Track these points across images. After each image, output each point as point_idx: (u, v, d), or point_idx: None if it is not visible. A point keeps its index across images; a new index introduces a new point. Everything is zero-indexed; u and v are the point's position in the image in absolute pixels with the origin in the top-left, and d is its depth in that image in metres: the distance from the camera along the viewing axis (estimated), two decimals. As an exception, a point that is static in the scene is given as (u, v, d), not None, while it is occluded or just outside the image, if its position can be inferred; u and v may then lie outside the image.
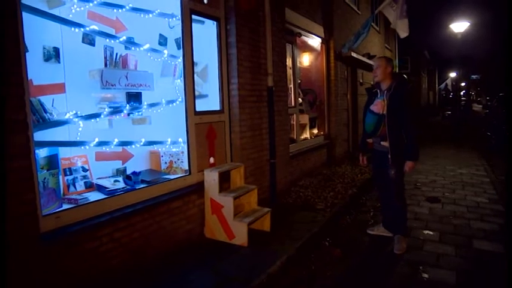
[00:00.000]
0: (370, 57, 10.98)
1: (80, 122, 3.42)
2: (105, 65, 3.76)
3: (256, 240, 3.85)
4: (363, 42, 8.92)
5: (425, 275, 3.34)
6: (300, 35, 6.98)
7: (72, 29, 3.41)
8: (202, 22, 4.43)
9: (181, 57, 4.02)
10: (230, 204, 3.84)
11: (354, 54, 8.87)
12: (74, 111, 3.39)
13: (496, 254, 3.77)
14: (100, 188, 3.41)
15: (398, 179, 3.83)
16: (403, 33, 8.00)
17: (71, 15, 3.45)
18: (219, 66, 4.52)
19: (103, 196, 3.25)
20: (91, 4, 3.55)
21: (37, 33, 3.12)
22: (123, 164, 3.96)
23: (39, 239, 2.51)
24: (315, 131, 8.24)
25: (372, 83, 12.16)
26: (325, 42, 8.23)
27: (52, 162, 3.15)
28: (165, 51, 4.29)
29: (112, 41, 3.79)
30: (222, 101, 4.57)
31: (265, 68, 4.97)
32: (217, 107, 4.53)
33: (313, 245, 3.96)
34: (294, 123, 6.93)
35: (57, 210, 2.85)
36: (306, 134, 7.65)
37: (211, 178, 3.97)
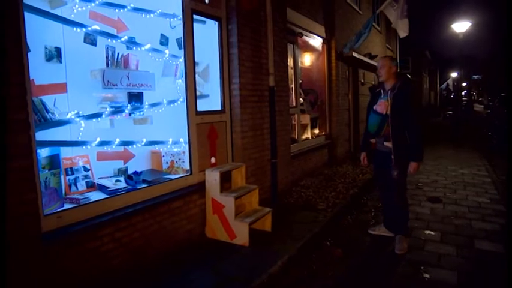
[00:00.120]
0: (371, 57, 10.98)
1: (82, 122, 3.42)
2: (107, 64, 3.76)
3: (258, 240, 3.85)
4: (364, 42, 8.90)
5: (427, 275, 3.34)
6: (302, 35, 6.98)
7: (74, 29, 3.42)
8: (204, 22, 4.43)
9: (182, 57, 4.02)
10: (231, 204, 3.84)
11: (355, 54, 8.86)
12: (76, 111, 3.40)
13: (498, 254, 3.76)
14: (101, 188, 3.42)
15: (401, 180, 3.82)
16: (403, 33, 8.02)
17: (72, 15, 3.46)
18: (220, 66, 4.53)
19: (104, 196, 3.26)
20: (93, 4, 3.55)
21: (39, 33, 3.13)
22: (124, 163, 3.97)
23: (40, 239, 2.51)
24: (316, 131, 8.24)
25: (373, 82, 12.21)
26: (326, 42, 8.22)
27: (54, 162, 3.15)
28: (167, 51, 4.29)
29: (113, 41, 3.79)
30: (224, 101, 4.57)
31: (267, 68, 4.97)
32: (218, 107, 4.53)
33: (314, 245, 3.96)
34: (295, 123, 6.93)
35: (58, 210, 2.85)
36: (307, 134, 7.65)
37: (213, 178, 3.97)
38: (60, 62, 3.39)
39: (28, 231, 2.42)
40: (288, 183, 5.88)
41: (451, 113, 25.44)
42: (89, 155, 3.58)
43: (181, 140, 4.20)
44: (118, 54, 3.87)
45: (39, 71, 3.07)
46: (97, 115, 3.53)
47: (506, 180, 6.93)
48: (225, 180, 4.22)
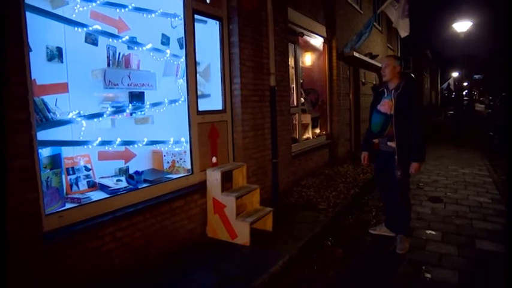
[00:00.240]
0: (372, 56, 10.97)
1: (83, 122, 3.42)
2: (108, 64, 3.76)
3: (259, 240, 3.86)
4: (365, 41, 8.91)
5: (428, 275, 3.34)
6: (303, 34, 6.98)
7: (75, 28, 3.42)
8: (205, 22, 4.43)
9: (183, 57, 4.02)
10: (232, 204, 3.84)
11: (356, 54, 8.85)
12: (77, 111, 3.40)
13: (499, 254, 3.75)
14: (103, 188, 3.42)
15: (405, 180, 3.81)
16: (404, 32, 8.03)
17: (74, 15, 3.46)
18: (221, 65, 4.53)
19: (106, 195, 3.26)
20: (94, 4, 3.55)
21: (40, 33, 3.13)
22: (125, 163, 3.97)
23: (42, 238, 2.51)
24: (317, 130, 8.24)
25: (374, 82, 12.19)
26: (327, 41, 8.22)
27: (55, 161, 3.15)
28: (168, 51, 4.29)
29: (115, 41, 3.80)
30: (225, 101, 4.57)
31: (268, 68, 4.97)
32: (219, 107, 4.54)
33: (315, 245, 3.96)
34: (296, 123, 6.93)
35: (60, 209, 2.86)
36: (308, 134, 7.65)
37: (214, 178, 3.97)
38: (62, 62, 3.39)
39: (30, 231, 2.43)
40: (289, 183, 5.88)
41: (452, 112, 25.44)
42: (90, 154, 3.59)
43: (183, 139, 4.20)
44: (119, 54, 3.88)
45: (40, 70, 3.06)
46: (98, 115, 3.54)
47: (506, 180, 6.92)
48: (226, 180, 4.23)
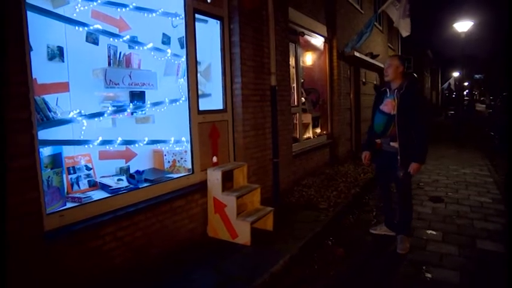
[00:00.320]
0: (373, 56, 10.96)
1: (84, 121, 3.43)
2: (109, 64, 3.76)
3: (259, 240, 3.85)
4: (366, 41, 8.90)
5: (429, 275, 3.34)
6: (303, 34, 6.97)
7: (76, 28, 3.42)
8: (206, 21, 4.43)
9: (184, 57, 4.02)
10: (233, 204, 3.84)
11: (357, 54, 8.85)
12: (78, 110, 3.40)
13: (500, 254, 3.75)
14: (103, 187, 3.42)
15: (406, 180, 3.80)
16: (405, 32, 8.02)
17: (75, 14, 3.46)
18: (222, 65, 4.52)
19: (106, 195, 3.26)
20: (95, 3, 3.55)
21: (41, 32, 3.13)
22: (126, 162, 3.97)
23: (43, 238, 2.51)
24: (318, 130, 8.23)
25: (375, 82, 12.18)
26: (328, 41, 8.21)
27: (56, 161, 3.15)
28: (169, 50, 4.29)
29: (116, 40, 3.79)
30: (225, 100, 4.57)
31: (269, 67, 4.96)
32: (220, 106, 4.54)
33: (316, 245, 3.96)
34: (297, 122, 6.93)
35: (61, 208, 2.86)
36: (309, 134, 7.65)
37: (215, 177, 3.97)
38: (63, 61, 3.40)
39: (30, 230, 2.43)
40: (290, 183, 5.88)
41: (452, 112, 25.42)
42: (91, 154, 3.59)
43: (183, 139, 4.20)
44: (120, 53, 3.88)
45: (41, 70, 3.06)
46: (99, 114, 3.53)
47: (505, 180, 6.92)
48: (227, 179, 4.22)
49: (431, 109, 29.75)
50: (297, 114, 6.88)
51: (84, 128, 3.46)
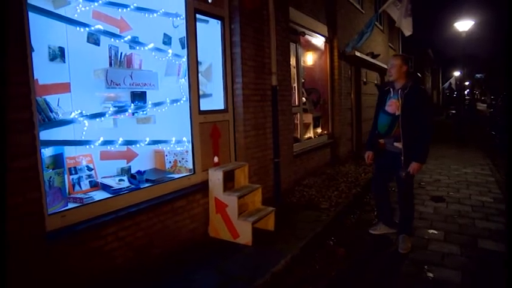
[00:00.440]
0: (373, 56, 10.96)
1: (85, 121, 3.43)
2: (110, 64, 3.77)
3: (261, 240, 3.85)
4: (366, 41, 8.90)
5: (430, 275, 3.33)
6: (304, 34, 6.97)
7: (77, 28, 3.42)
8: (207, 21, 4.43)
9: (185, 57, 4.02)
10: (234, 204, 3.84)
11: (357, 54, 8.85)
12: (79, 111, 3.40)
13: (501, 254, 3.74)
14: (105, 187, 3.42)
15: (409, 180, 3.80)
16: (408, 31, 8.03)
17: (76, 15, 3.46)
18: (223, 65, 4.53)
19: (108, 195, 3.26)
20: (96, 4, 3.55)
21: (43, 33, 3.13)
22: (127, 163, 3.97)
23: (44, 238, 2.52)
24: (319, 130, 8.23)
25: (375, 82, 12.17)
26: (329, 41, 8.21)
27: (57, 161, 3.16)
28: (170, 51, 4.29)
29: (117, 41, 3.80)
30: (226, 100, 4.57)
31: (269, 67, 4.96)
32: (221, 106, 4.54)
33: (317, 244, 3.96)
34: (298, 122, 6.93)
35: (62, 209, 2.86)
36: (310, 133, 7.65)
37: (216, 177, 3.97)
38: (64, 62, 3.40)
39: (31, 230, 2.43)
40: (291, 183, 5.88)
41: (453, 112, 25.35)
42: (92, 154, 3.59)
43: (184, 139, 4.20)
44: (121, 53, 3.88)
45: (43, 70, 3.07)
46: (100, 114, 3.54)
47: (505, 180, 6.90)
48: (228, 179, 4.23)
49: (434, 109, 29.71)
50: (298, 114, 6.88)
51: (85, 128, 3.46)
